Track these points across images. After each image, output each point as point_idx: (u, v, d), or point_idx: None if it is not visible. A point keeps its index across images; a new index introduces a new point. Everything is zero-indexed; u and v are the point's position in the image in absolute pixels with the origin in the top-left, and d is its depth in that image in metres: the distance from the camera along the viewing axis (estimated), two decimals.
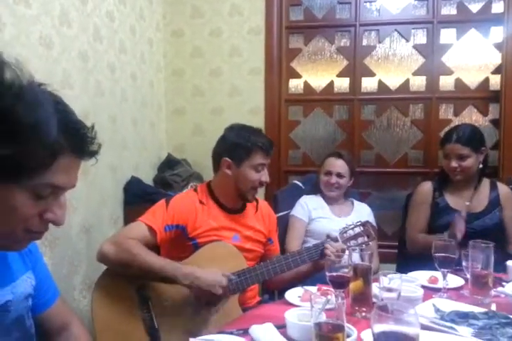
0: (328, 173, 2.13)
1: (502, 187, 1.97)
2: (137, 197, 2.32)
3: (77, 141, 0.69)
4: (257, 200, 1.72)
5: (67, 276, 1.92)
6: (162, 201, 1.54)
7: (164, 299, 1.39)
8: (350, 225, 1.57)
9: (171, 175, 2.65)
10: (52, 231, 1.80)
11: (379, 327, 0.78)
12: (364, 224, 1.56)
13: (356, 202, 2.22)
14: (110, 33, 2.32)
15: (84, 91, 2.07)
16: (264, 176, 1.57)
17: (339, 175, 2.11)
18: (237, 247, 1.52)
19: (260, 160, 1.55)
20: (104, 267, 1.46)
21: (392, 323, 0.78)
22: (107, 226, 2.21)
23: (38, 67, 1.74)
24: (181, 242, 1.52)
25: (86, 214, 2.07)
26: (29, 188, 0.65)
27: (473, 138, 1.91)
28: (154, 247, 1.49)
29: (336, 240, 1.52)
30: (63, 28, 1.91)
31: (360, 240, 1.54)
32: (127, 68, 2.51)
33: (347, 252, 1.45)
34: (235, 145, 1.56)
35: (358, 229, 1.55)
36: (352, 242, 1.53)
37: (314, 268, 1.53)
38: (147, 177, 2.70)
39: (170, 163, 2.76)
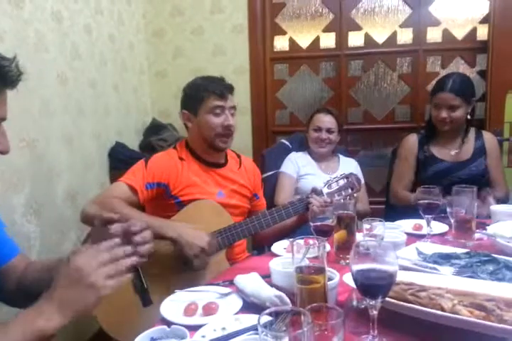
0: (318, 129, 2.11)
1: (487, 135, 1.96)
2: (122, 163, 2.29)
3: (3, 74, 0.76)
4: (239, 156, 1.70)
5: (57, 243, 1.93)
6: (141, 161, 1.52)
7: (151, 256, 1.39)
8: (334, 178, 1.56)
9: (157, 139, 2.62)
10: (37, 199, 1.79)
11: (357, 266, 0.79)
12: (348, 176, 1.55)
13: (342, 158, 2.22)
14: None
15: (60, 54, 2.00)
16: (226, 120, 1.51)
17: (329, 131, 2.10)
18: (222, 203, 1.51)
19: (214, 102, 1.50)
20: None
21: (370, 261, 0.78)
22: (93, 192, 2.19)
23: (8, 28, 1.66)
24: (164, 201, 1.51)
25: (71, 181, 2.05)
26: None
27: (465, 88, 1.87)
28: (138, 207, 1.48)
29: (320, 193, 1.52)
30: None
31: (344, 192, 1.54)
32: (104, 29, 2.41)
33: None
34: (187, 96, 1.56)
35: (342, 182, 1.55)
36: (336, 195, 1.53)
37: (300, 221, 1.54)
38: (132, 142, 2.67)
39: (155, 128, 2.71)
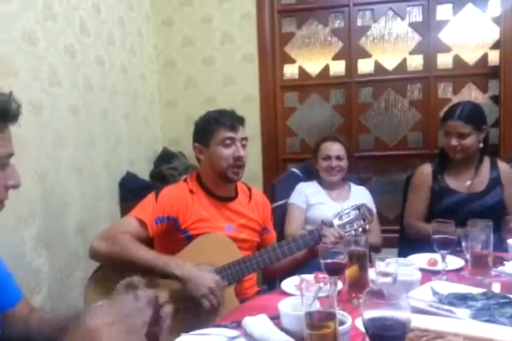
0: (328, 158, 2.09)
1: (502, 166, 1.92)
2: (133, 193, 2.30)
3: (3, 110, 0.78)
4: (250, 189, 1.69)
5: (65, 276, 1.91)
6: (152, 194, 1.51)
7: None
8: (345, 209, 1.53)
9: (168, 168, 2.63)
10: (47, 232, 1.79)
11: (368, 314, 0.75)
12: (359, 207, 1.52)
13: (353, 186, 2.19)
14: (97, 25, 2.28)
15: (73, 87, 2.04)
16: (237, 151, 1.51)
17: (338, 158, 2.09)
18: (231, 237, 1.49)
19: (225, 134, 1.51)
20: None
21: (382, 309, 0.75)
22: (103, 224, 2.19)
23: (23, 64, 1.70)
24: (174, 235, 1.49)
25: (81, 213, 2.05)
26: None
27: (475, 115, 1.86)
28: (147, 241, 1.47)
29: (331, 225, 1.49)
30: (47, 22, 1.87)
31: (356, 224, 1.50)
32: (117, 61, 2.47)
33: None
34: (198, 129, 1.59)
35: (353, 213, 1.51)
36: (348, 226, 1.49)
37: (310, 254, 1.50)
38: (143, 172, 2.68)
39: (166, 157, 2.73)
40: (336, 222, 1.51)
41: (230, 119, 1.53)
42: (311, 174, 2.24)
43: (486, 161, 1.92)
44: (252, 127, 2.76)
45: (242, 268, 1.42)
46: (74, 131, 2.03)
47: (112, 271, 1.38)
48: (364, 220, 1.52)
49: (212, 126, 1.53)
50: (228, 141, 1.51)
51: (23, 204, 1.67)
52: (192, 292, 1.29)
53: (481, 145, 1.88)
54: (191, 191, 1.55)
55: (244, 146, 1.55)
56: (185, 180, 1.61)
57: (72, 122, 2.02)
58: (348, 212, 1.52)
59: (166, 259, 1.33)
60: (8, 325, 0.91)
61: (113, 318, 0.66)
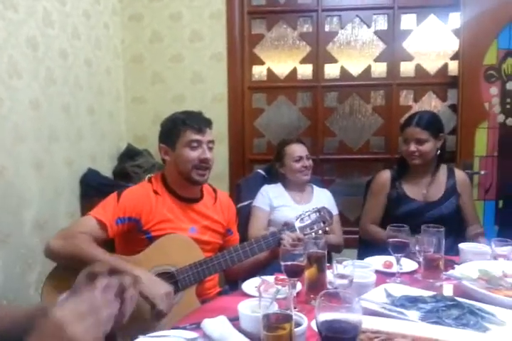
0: (300, 159, 2.13)
1: (459, 174, 2.00)
2: (94, 190, 2.26)
3: None
4: (215, 191, 1.69)
5: (21, 274, 1.86)
6: (114, 194, 1.49)
7: None
8: (306, 212, 1.56)
9: (132, 165, 2.59)
10: (3, 228, 1.73)
11: (323, 316, 0.78)
12: (319, 210, 1.56)
13: (316, 188, 2.24)
14: (62, 17, 2.21)
15: (34, 80, 1.98)
16: (203, 154, 1.51)
17: (307, 158, 2.17)
18: (194, 239, 1.49)
19: (191, 136, 1.50)
20: None
21: (336, 312, 0.77)
22: (62, 221, 2.14)
23: None
24: (135, 236, 1.47)
25: (40, 210, 1.99)
26: None
27: (432, 123, 1.94)
28: (106, 242, 1.45)
29: (292, 227, 1.52)
30: (8, 12, 1.80)
31: (316, 226, 1.54)
32: (81, 54, 2.41)
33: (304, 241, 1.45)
34: (165, 130, 1.57)
35: (314, 216, 1.55)
36: (309, 228, 1.52)
37: (272, 255, 1.52)
38: (106, 169, 2.63)
39: (130, 154, 2.69)
40: (298, 224, 1.53)
41: (197, 121, 1.52)
42: (276, 175, 2.27)
43: (443, 169, 2.00)
44: (220, 127, 2.76)
45: (204, 268, 1.42)
46: (34, 125, 1.97)
47: (69, 270, 1.35)
48: (324, 222, 1.56)
49: (178, 127, 1.51)
50: (195, 144, 1.50)
51: None
52: (148, 293, 1.26)
53: (438, 152, 1.96)
54: (155, 192, 1.53)
55: (210, 149, 1.55)
56: (149, 181, 1.59)
57: (32, 116, 1.96)
58: (309, 215, 1.56)
59: (123, 264, 1.30)
60: None
61: (83, 311, 0.65)
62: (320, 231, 1.54)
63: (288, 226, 1.53)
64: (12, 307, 0.95)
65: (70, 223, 2.15)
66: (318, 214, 1.56)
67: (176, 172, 1.54)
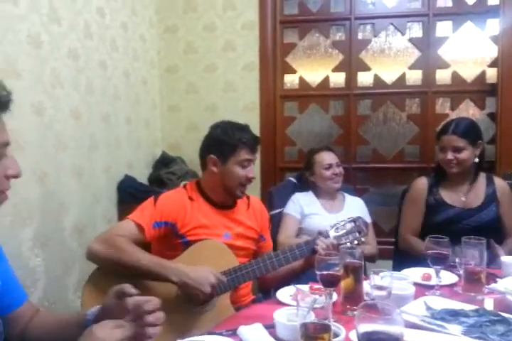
0: (330, 166, 2.13)
1: (499, 182, 1.94)
2: (131, 196, 2.31)
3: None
4: (248, 197, 1.71)
5: (60, 277, 1.92)
6: (151, 198, 1.53)
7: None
8: (341, 221, 1.55)
9: (166, 173, 2.64)
10: (44, 233, 1.80)
11: (363, 327, 0.77)
12: (355, 220, 1.54)
13: (348, 197, 2.22)
14: (101, 30, 2.30)
15: (75, 90, 2.06)
16: (251, 172, 1.56)
17: (338, 165, 2.16)
18: (228, 245, 1.50)
19: (246, 156, 1.54)
20: None
21: (376, 323, 0.76)
22: (100, 226, 2.20)
23: (26, 66, 1.72)
24: (171, 240, 1.50)
25: (79, 214, 2.06)
26: None
27: (470, 130, 1.89)
28: (144, 245, 1.48)
29: (327, 236, 1.50)
30: (52, 25, 1.89)
31: (351, 236, 1.52)
32: (119, 65, 2.49)
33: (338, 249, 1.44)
34: (220, 142, 1.55)
35: (349, 225, 1.53)
36: (344, 238, 1.51)
37: (306, 264, 1.51)
38: (142, 175, 2.69)
39: (164, 161, 2.74)
40: (332, 233, 1.52)
41: (252, 141, 1.56)
42: (308, 184, 2.26)
43: (482, 177, 1.94)
44: None
45: (239, 275, 1.43)
46: (75, 134, 2.04)
47: (109, 272, 1.38)
48: (360, 233, 1.53)
49: (235, 143, 1.53)
50: (246, 163, 1.55)
51: (22, 204, 1.67)
52: (194, 294, 1.30)
53: (477, 160, 1.90)
54: (190, 198, 1.56)
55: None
56: (184, 187, 1.62)
57: (73, 125, 2.03)
58: (344, 224, 1.54)
59: (161, 264, 1.34)
60: (10, 326, 0.92)
61: (121, 338, 0.69)
62: (355, 242, 1.52)
63: (322, 234, 1.52)
64: (45, 313, 0.99)
65: (107, 228, 2.22)
66: (353, 223, 1.54)
67: (219, 185, 1.57)
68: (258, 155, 2.79)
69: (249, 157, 1.55)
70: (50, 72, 1.87)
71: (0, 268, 0.90)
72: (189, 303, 1.38)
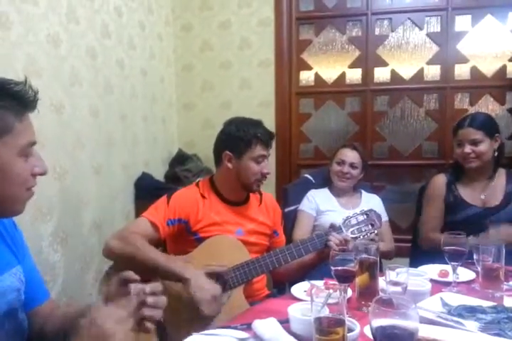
0: (342, 163, 2.10)
1: None
2: (148, 193, 2.34)
3: (20, 98, 0.78)
4: (260, 193, 1.71)
5: (79, 272, 1.95)
6: (164, 197, 1.55)
7: (170, 295, 1.39)
8: (353, 214, 1.54)
9: (182, 170, 2.67)
10: (64, 229, 1.84)
11: (377, 322, 0.77)
12: (367, 212, 1.53)
13: (365, 193, 2.20)
14: (118, 28, 2.33)
15: (93, 88, 2.09)
16: (266, 168, 1.56)
17: (352, 166, 2.10)
18: (241, 241, 1.51)
19: (260, 151, 1.54)
20: None
21: (391, 317, 0.76)
22: (118, 222, 2.23)
23: (45, 65, 1.75)
24: (185, 237, 1.52)
25: (97, 211, 2.09)
26: (19, 151, 0.78)
27: (485, 123, 1.85)
28: (159, 242, 1.50)
29: (338, 229, 1.50)
30: (70, 24, 1.92)
31: (364, 229, 1.51)
32: (137, 64, 2.52)
33: (351, 243, 1.43)
34: (234, 138, 1.55)
35: (361, 218, 1.52)
36: (356, 231, 1.50)
37: (318, 257, 1.51)
38: (158, 172, 2.72)
39: (181, 159, 2.77)
40: (344, 226, 1.51)
41: (267, 136, 1.56)
42: (324, 181, 2.25)
43: (502, 173, 1.90)
44: None
45: (252, 269, 1.44)
46: (93, 132, 2.08)
47: (125, 268, 1.40)
48: (372, 225, 1.52)
49: (250, 139, 1.53)
50: (261, 159, 1.55)
51: (42, 200, 1.71)
52: (194, 295, 1.30)
53: (496, 154, 1.86)
54: (202, 195, 1.57)
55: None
56: (197, 185, 1.63)
57: (91, 122, 2.07)
58: (356, 217, 1.53)
59: (175, 264, 1.35)
60: (32, 323, 0.94)
61: (122, 316, 0.70)
62: (369, 234, 1.51)
63: (334, 228, 1.52)
64: (62, 307, 1.00)
65: (125, 224, 2.25)
66: (365, 216, 1.53)
67: (235, 180, 1.57)
68: (273, 152, 2.84)
69: (264, 152, 1.55)
70: (69, 71, 1.91)
71: (25, 265, 0.92)
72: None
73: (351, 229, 1.51)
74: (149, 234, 1.45)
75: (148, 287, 0.74)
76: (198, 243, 1.51)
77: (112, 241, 1.41)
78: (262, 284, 1.63)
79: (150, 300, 0.73)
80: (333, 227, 1.52)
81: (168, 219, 1.48)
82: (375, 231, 1.54)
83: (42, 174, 0.84)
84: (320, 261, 1.54)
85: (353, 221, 1.52)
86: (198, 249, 1.48)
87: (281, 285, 1.85)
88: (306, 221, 2.09)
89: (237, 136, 1.55)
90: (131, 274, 0.77)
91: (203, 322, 1.31)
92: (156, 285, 0.76)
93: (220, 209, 1.57)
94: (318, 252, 1.50)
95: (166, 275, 1.34)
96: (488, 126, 1.85)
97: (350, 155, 2.12)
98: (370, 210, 1.55)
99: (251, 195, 1.67)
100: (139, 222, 1.48)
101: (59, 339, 0.74)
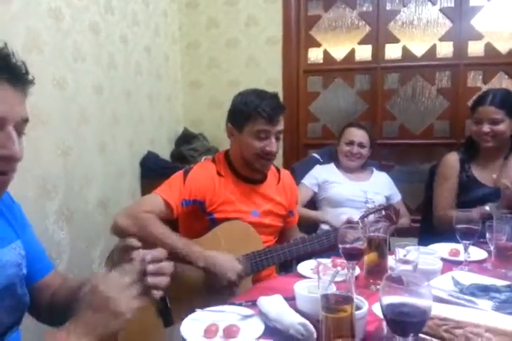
0: (350, 143, 2.09)
1: None
2: (154, 172, 2.32)
3: (5, 69, 0.68)
4: (279, 170, 1.65)
5: (85, 250, 1.95)
6: (180, 173, 1.48)
7: (177, 278, 1.36)
8: (372, 208, 1.49)
9: (188, 149, 2.64)
10: (68, 206, 1.82)
11: (387, 299, 0.74)
12: (387, 207, 1.48)
13: (376, 171, 2.20)
14: (122, 4, 2.26)
15: (96, 65, 2.04)
16: (269, 145, 1.44)
17: (361, 145, 2.09)
18: (256, 223, 1.47)
19: (261, 126, 1.42)
20: None
21: (402, 295, 0.73)
22: (124, 200, 2.22)
23: (48, 40, 1.71)
24: (199, 217, 1.48)
25: (103, 189, 2.08)
26: None
27: (507, 101, 1.78)
28: (171, 221, 1.45)
29: (355, 224, 1.45)
30: None
31: (380, 225, 1.46)
32: (141, 41, 2.46)
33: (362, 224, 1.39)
34: (236, 110, 1.48)
35: (379, 213, 1.47)
36: (373, 228, 1.45)
37: (330, 248, 1.47)
38: (164, 151, 2.69)
39: (186, 138, 2.74)
40: (362, 221, 1.46)
41: (269, 109, 1.42)
42: (331, 159, 2.23)
43: None
44: None
45: (263, 259, 1.40)
46: (97, 109, 2.04)
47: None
48: (390, 221, 1.46)
49: (250, 112, 1.43)
50: (263, 135, 1.43)
51: (46, 177, 1.69)
52: (216, 281, 1.29)
53: None
54: (219, 173, 1.51)
55: (278, 139, 1.48)
56: (213, 160, 1.56)
57: (95, 99, 2.03)
58: (373, 212, 1.49)
59: (189, 247, 1.32)
60: (38, 295, 0.93)
61: (125, 283, 0.69)
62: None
63: (352, 223, 1.46)
64: (70, 278, 0.99)
65: (130, 202, 2.23)
66: (384, 212, 1.48)
67: (239, 155, 1.51)
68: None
69: (266, 128, 1.43)
70: (72, 46, 1.86)
71: (24, 238, 0.90)
72: (213, 289, 1.36)
73: (367, 225, 1.46)
74: (161, 213, 1.39)
75: (150, 255, 0.72)
76: (211, 224, 1.46)
77: (122, 218, 1.36)
78: (271, 270, 1.59)
79: (150, 267, 0.71)
80: (349, 222, 1.47)
81: (183, 200, 1.43)
82: (391, 228, 1.49)
83: (11, 158, 0.70)
84: (331, 250, 1.50)
85: (370, 217, 1.48)
86: (209, 233, 1.44)
87: (289, 268, 1.83)
88: (303, 194, 2.07)
89: (238, 109, 1.47)
90: (134, 242, 0.75)
91: (228, 291, 1.30)
92: (159, 252, 0.74)
93: (236, 188, 1.51)
94: (331, 245, 1.46)
95: (179, 259, 1.30)
96: (510, 104, 1.78)
97: (359, 135, 2.10)
98: (390, 205, 1.52)
99: (269, 172, 1.59)
100: (152, 199, 1.42)
101: (67, 310, 0.72)
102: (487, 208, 1.67)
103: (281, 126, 1.47)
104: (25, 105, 0.74)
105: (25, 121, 0.74)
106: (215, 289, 1.34)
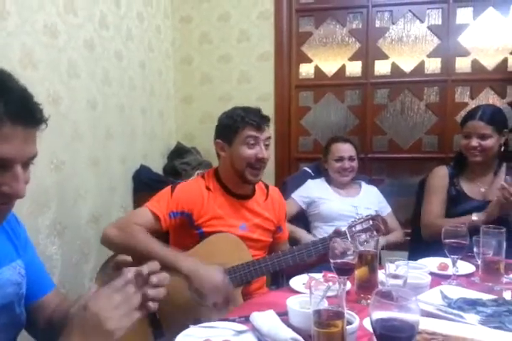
0: (340, 159, 2.10)
1: None
2: (146, 186, 2.33)
3: (15, 108, 0.67)
4: (267, 187, 1.68)
5: (77, 265, 1.94)
6: (168, 187, 1.51)
7: (166, 288, 1.37)
8: (358, 219, 1.51)
9: (181, 163, 2.65)
10: (60, 221, 1.82)
11: (377, 314, 0.76)
12: (374, 217, 1.49)
13: (364, 185, 2.21)
14: (117, 20, 2.30)
15: (91, 80, 2.07)
16: (260, 152, 1.47)
17: (351, 159, 2.12)
18: (244, 237, 1.49)
19: (249, 132, 1.47)
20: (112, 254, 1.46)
21: (391, 310, 0.75)
22: (116, 214, 2.22)
23: (43, 57, 1.73)
24: (187, 230, 1.49)
25: (95, 203, 2.08)
26: None
27: (496, 117, 1.83)
28: (161, 234, 1.48)
29: (343, 234, 1.47)
30: (68, 16, 1.89)
31: (369, 236, 1.48)
32: (135, 56, 2.49)
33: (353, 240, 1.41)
34: (223, 125, 1.54)
35: (366, 224, 1.49)
36: (361, 238, 1.47)
37: (319, 260, 1.49)
38: (157, 165, 2.71)
39: (179, 152, 2.75)
40: (349, 231, 1.48)
41: (256, 118, 1.48)
42: (321, 174, 2.25)
43: (503, 168, 1.89)
44: None
45: (251, 270, 1.41)
46: (91, 124, 2.06)
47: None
48: (378, 231, 1.48)
49: (237, 124, 1.48)
50: (252, 141, 1.47)
51: (39, 192, 1.70)
52: (197, 289, 1.28)
53: (502, 149, 1.85)
54: (208, 188, 1.54)
55: (267, 146, 1.52)
56: (202, 176, 1.59)
57: (89, 115, 2.05)
58: (361, 223, 1.50)
59: (175, 255, 1.32)
60: (37, 314, 0.92)
61: (116, 301, 0.67)
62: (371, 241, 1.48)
63: (339, 233, 1.48)
64: (69, 299, 0.99)
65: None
66: (371, 221, 1.50)
67: (230, 169, 1.53)
68: (272, 146, 2.82)
69: (254, 134, 1.47)
70: (67, 63, 1.88)
71: (26, 253, 0.90)
72: (197, 299, 1.34)
73: (355, 235, 1.48)
74: (150, 225, 1.42)
75: (146, 267, 0.71)
76: (200, 237, 1.48)
77: (112, 229, 1.39)
78: (261, 283, 1.59)
79: (154, 279, 0.71)
80: (337, 233, 1.49)
81: (171, 211, 1.45)
82: (381, 239, 1.51)
83: (11, 195, 0.71)
84: (321, 263, 1.51)
85: (358, 226, 1.49)
86: (198, 246, 1.45)
87: (280, 282, 1.84)
88: (290, 209, 2.04)
89: (225, 123, 1.52)
90: (124, 258, 0.76)
91: (216, 310, 1.27)
92: (154, 264, 0.74)
93: (225, 203, 1.53)
94: (320, 255, 1.48)
95: (166, 269, 1.32)
96: (499, 121, 1.83)
97: (347, 149, 2.13)
98: (377, 215, 1.52)
99: (257, 188, 1.63)
100: (141, 212, 1.45)
101: (64, 330, 0.72)
102: (474, 218, 1.71)
103: (268, 133, 1.53)
104: (36, 142, 0.74)
105: (34, 156, 0.75)
106: (198, 299, 1.33)
